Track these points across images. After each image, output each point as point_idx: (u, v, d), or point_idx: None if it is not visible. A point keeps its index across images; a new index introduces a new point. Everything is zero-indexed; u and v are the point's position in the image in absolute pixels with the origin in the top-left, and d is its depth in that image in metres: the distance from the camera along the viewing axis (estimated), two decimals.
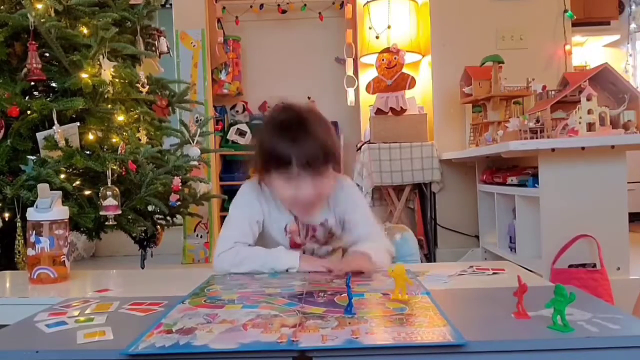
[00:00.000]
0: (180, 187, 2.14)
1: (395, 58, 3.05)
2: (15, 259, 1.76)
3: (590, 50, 4.44)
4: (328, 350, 0.61)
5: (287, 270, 1.12)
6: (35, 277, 1.11)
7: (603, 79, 2.15)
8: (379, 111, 3.04)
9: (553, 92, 2.23)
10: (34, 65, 1.81)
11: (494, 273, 1.09)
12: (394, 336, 0.63)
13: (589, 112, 1.93)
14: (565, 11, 3.14)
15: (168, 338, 0.65)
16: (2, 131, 1.83)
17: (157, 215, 2.30)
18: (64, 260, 1.14)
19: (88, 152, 1.93)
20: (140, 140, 2.15)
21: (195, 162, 2.34)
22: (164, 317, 0.75)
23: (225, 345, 0.62)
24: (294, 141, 1.07)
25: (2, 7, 1.90)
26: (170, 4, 3.62)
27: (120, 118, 2.07)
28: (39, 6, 1.83)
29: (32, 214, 1.12)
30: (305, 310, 0.77)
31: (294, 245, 1.24)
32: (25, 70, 1.84)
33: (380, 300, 0.82)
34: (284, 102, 1.17)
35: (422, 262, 1.48)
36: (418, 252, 1.46)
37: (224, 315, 0.75)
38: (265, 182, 1.16)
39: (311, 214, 1.19)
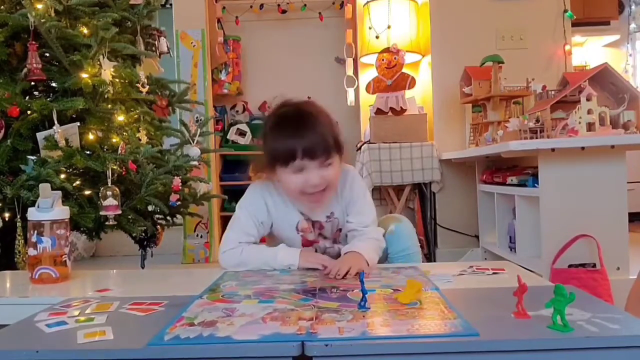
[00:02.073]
0: (180, 187, 2.14)
1: (395, 58, 3.04)
2: (16, 259, 1.76)
3: (590, 51, 4.43)
4: (329, 349, 0.61)
5: (289, 268, 1.14)
6: (36, 277, 1.11)
7: (603, 79, 2.15)
8: (379, 111, 3.04)
9: (553, 92, 2.23)
10: (34, 65, 1.80)
11: (494, 273, 1.09)
12: (408, 328, 0.65)
13: (589, 112, 1.93)
14: (565, 11, 3.14)
15: (191, 330, 0.67)
16: (2, 131, 1.83)
17: (157, 215, 2.30)
18: (65, 260, 1.14)
19: (88, 152, 1.93)
20: (140, 140, 2.15)
21: (195, 162, 2.34)
22: (184, 311, 0.77)
23: (247, 336, 0.64)
24: (296, 133, 1.10)
25: (2, 7, 1.90)
26: (170, 4, 3.62)
27: (120, 118, 2.07)
28: (39, 6, 1.83)
29: (33, 214, 1.12)
30: (320, 304, 0.79)
31: (307, 244, 1.26)
32: (25, 70, 1.84)
33: (391, 295, 0.84)
34: (283, 99, 1.21)
35: (422, 261, 1.42)
36: (415, 246, 1.33)
37: (242, 309, 0.77)
38: (274, 179, 1.19)
39: (322, 203, 1.20)
